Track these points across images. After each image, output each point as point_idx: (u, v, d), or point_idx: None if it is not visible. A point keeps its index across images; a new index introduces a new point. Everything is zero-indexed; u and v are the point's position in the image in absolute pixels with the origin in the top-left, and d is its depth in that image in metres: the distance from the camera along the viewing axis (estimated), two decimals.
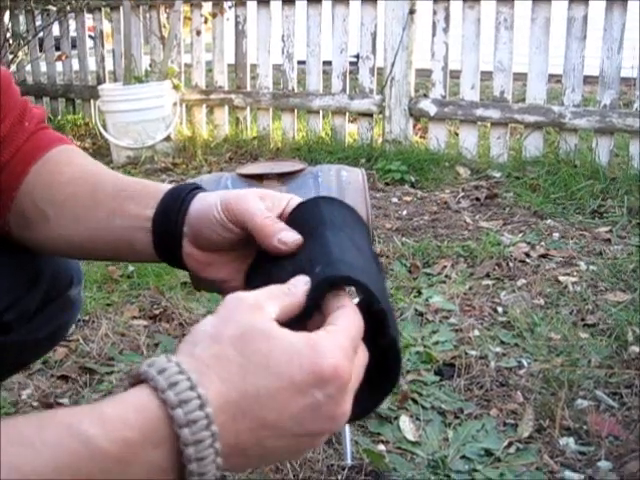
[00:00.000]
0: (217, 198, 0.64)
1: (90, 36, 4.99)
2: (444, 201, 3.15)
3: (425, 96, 3.98)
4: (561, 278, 2.27)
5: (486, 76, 3.90)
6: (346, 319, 0.51)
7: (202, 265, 0.67)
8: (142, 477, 0.43)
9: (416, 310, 2.08)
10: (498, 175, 3.45)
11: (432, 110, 3.79)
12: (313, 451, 1.41)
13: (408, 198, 3.24)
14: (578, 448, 1.42)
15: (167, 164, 4.02)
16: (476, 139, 3.77)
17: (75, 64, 4.98)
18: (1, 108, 0.76)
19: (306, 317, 0.52)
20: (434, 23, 3.74)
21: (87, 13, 4.79)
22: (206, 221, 0.64)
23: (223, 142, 4.29)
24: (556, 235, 2.69)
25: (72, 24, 4.92)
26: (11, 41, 4.80)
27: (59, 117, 5.03)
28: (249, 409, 0.46)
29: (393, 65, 3.82)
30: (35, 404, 1.62)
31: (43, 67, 5.12)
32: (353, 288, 0.54)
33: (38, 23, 4.95)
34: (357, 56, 4.01)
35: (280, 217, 0.62)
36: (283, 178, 1.18)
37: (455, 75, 3.88)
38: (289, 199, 0.64)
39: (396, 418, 1.54)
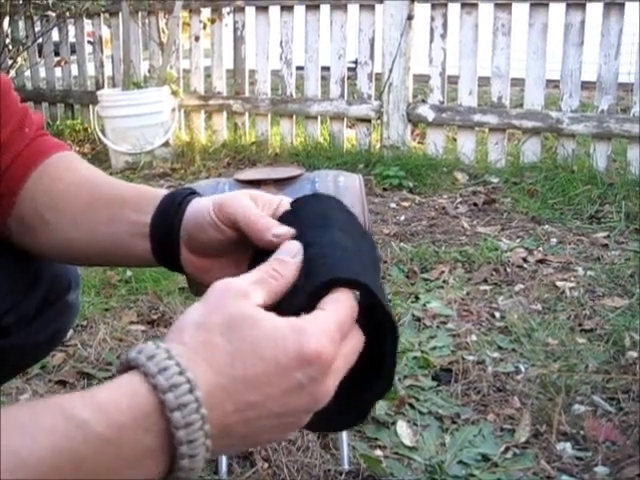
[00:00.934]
0: (210, 201, 0.64)
1: (89, 42, 5.00)
2: (442, 206, 3.16)
3: (423, 102, 3.99)
4: (559, 283, 2.28)
5: (484, 82, 3.91)
6: (335, 303, 0.52)
7: (200, 271, 0.67)
8: (134, 459, 0.44)
9: (414, 315, 2.08)
10: (496, 180, 3.45)
11: (430, 116, 3.80)
12: (310, 456, 1.42)
13: (406, 203, 3.25)
14: (575, 453, 1.43)
15: (166, 169, 4.02)
16: (474, 144, 3.77)
17: (74, 69, 4.99)
18: (1, 114, 0.77)
19: (303, 311, 0.52)
20: (432, 29, 3.75)
21: (86, 19, 4.80)
22: (200, 224, 0.64)
23: (221, 147, 4.29)
24: (554, 240, 2.70)
25: (71, 30, 4.93)
26: (10, 47, 4.81)
27: (58, 122, 5.03)
28: (236, 392, 0.47)
29: (391, 71, 3.83)
30: None
31: (42, 73, 5.13)
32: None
33: (37, 29, 4.95)
34: (355, 62, 4.02)
35: (272, 217, 0.62)
36: (280, 184, 1.18)
37: (453, 81, 3.89)
38: (280, 200, 0.64)
39: (393, 423, 1.55)
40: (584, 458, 1.41)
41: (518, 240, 2.71)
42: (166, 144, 4.17)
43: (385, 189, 3.44)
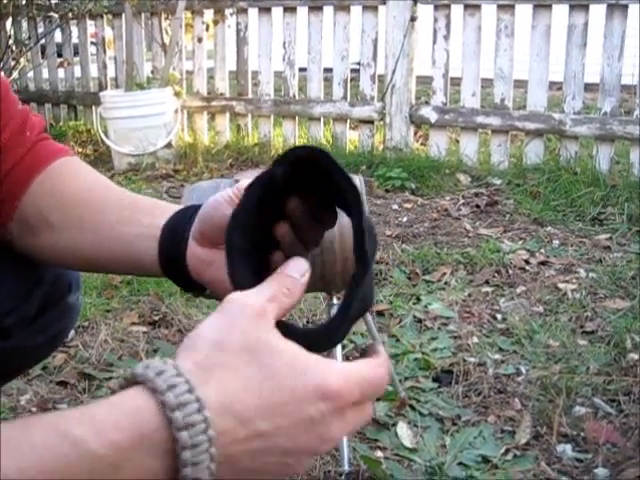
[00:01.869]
0: (230, 189, 0.64)
1: (92, 43, 5.01)
2: (444, 208, 3.16)
3: (426, 103, 3.99)
4: (560, 285, 2.28)
5: (487, 83, 3.91)
6: (369, 366, 0.51)
7: (204, 265, 0.66)
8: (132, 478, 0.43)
9: (415, 317, 2.08)
10: (498, 182, 3.45)
11: (433, 117, 3.80)
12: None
13: (408, 205, 3.25)
14: (575, 455, 1.42)
15: (168, 170, 4.02)
16: (477, 146, 3.77)
17: (77, 71, 5.00)
18: (1, 116, 0.77)
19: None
20: (435, 30, 3.75)
21: (89, 20, 4.80)
22: (217, 203, 0.63)
23: (224, 149, 4.29)
24: (556, 242, 2.70)
25: (74, 31, 4.94)
26: (13, 48, 4.82)
27: (61, 123, 5.04)
28: (247, 418, 0.45)
29: (394, 72, 3.83)
30: (34, 409, 1.62)
31: (45, 74, 5.13)
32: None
33: (40, 30, 4.96)
34: (358, 63, 4.02)
35: None
36: None
37: (456, 82, 3.88)
38: None
39: (394, 425, 1.55)
40: (584, 460, 1.41)
41: (520, 242, 2.71)
42: (169, 145, 4.17)
43: (387, 190, 3.45)
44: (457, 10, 3.68)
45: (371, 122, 4.00)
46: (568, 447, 1.45)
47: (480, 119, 3.68)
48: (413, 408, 1.61)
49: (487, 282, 2.34)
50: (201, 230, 0.65)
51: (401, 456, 1.45)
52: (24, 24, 5.02)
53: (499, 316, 2.08)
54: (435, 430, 1.54)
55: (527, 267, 2.45)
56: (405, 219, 3.05)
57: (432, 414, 1.60)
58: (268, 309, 0.50)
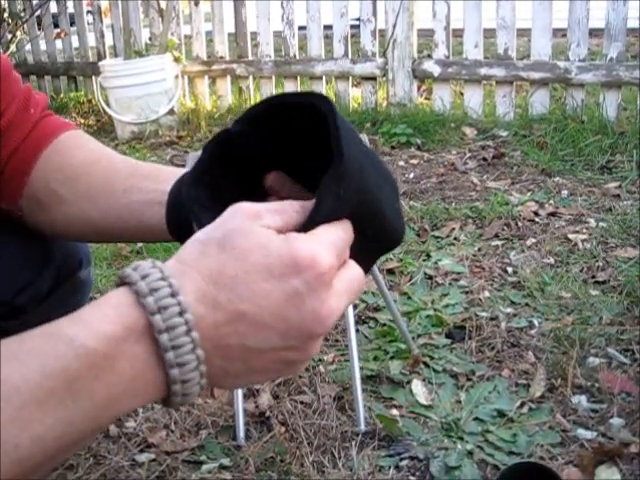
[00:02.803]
0: None
1: (88, 12, 4.95)
2: (451, 162, 3.14)
3: (428, 57, 3.93)
4: (570, 236, 2.27)
5: (489, 33, 3.84)
6: (330, 226, 0.50)
7: None
8: (130, 374, 0.44)
9: (425, 274, 2.08)
10: (505, 134, 3.42)
11: (436, 71, 3.75)
12: (326, 418, 1.43)
13: (415, 161, 3.23)
14: (590, 406, 1.43)
15: (172, 137, 4.00)
16: (481, 98, 3.73)
17: (75, 41, 4.95)
18: (3, 95, 0.77)
19: None
20: None
21: None
22: None
23: (227, 113, 4.26)
24: (565, 192, 2.68)
25: (69, 0, 4.88)
26: (9, 21, 4.76)
27: (62, 95, 5.01)
28: (225, 300, 0.45)
29: (395, 27, 3.77)
30: None
31: (43, 46, 5.08)
32: None
33: (35, 1, 4.90)
34: (358, 19, 3.96)
35: None
36: None
37: (458, 34, 3.82)
38: None
39: (408, 382, 1.56)
40: (599, 410, 1.42)
41: (529, 194, 2.69)
42: (171, 112, 4.14)
43: (393, 147, 3.42)
44: None
45: (373, 78, 3.95)
46: (583, 398, 1.45)
47: (484, 71, 3.63)
48: (427, 365, 1.62)
49: (497, 236, 2.33)
50: None
51: (417, 413, 1.47)
52: None
53: (510, 269, 2.08)
54: (450, 386, 1.55)
55: (536, 219, 2.44)
56: (412, 175, 3.03)
57: (446, 370, 1.61)
58: (264, 214, 0.49)
